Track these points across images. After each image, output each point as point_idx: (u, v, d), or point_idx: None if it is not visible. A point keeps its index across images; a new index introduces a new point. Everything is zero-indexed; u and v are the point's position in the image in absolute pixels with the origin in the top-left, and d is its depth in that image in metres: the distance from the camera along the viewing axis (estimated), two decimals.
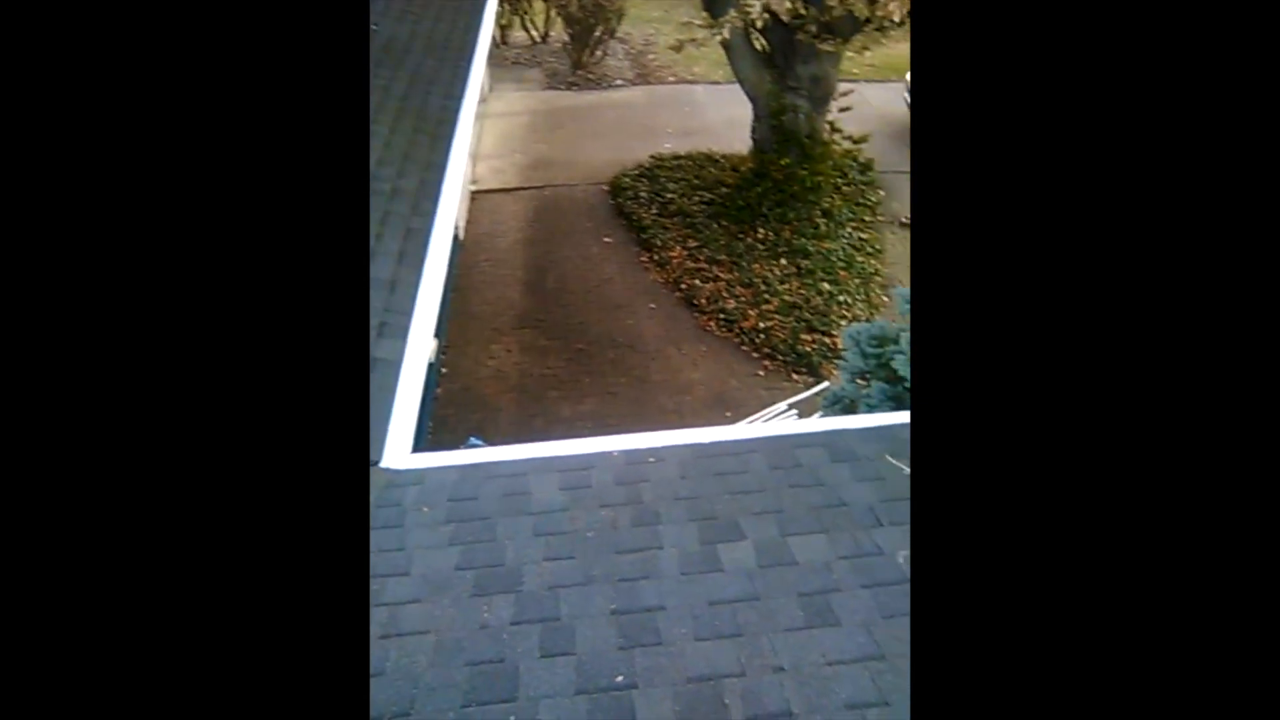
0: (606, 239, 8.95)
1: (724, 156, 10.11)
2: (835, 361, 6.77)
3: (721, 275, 8.17)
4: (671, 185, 9.63)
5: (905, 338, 4.13)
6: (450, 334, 7.09)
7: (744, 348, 7.40)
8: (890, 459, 2.71)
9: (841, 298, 7.84)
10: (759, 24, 6.88)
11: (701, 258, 8.42)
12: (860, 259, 8.42)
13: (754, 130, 9.10)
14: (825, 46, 7.64)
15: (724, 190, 9.29)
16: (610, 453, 2.83)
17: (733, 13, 6.41)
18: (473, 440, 5.25)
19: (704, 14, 7.69)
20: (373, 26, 5.72)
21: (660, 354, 7.24)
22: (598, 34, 13.25)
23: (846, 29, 7.61)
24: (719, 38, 6.66)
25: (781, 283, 8.01)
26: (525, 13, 13.82)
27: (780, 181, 8.68)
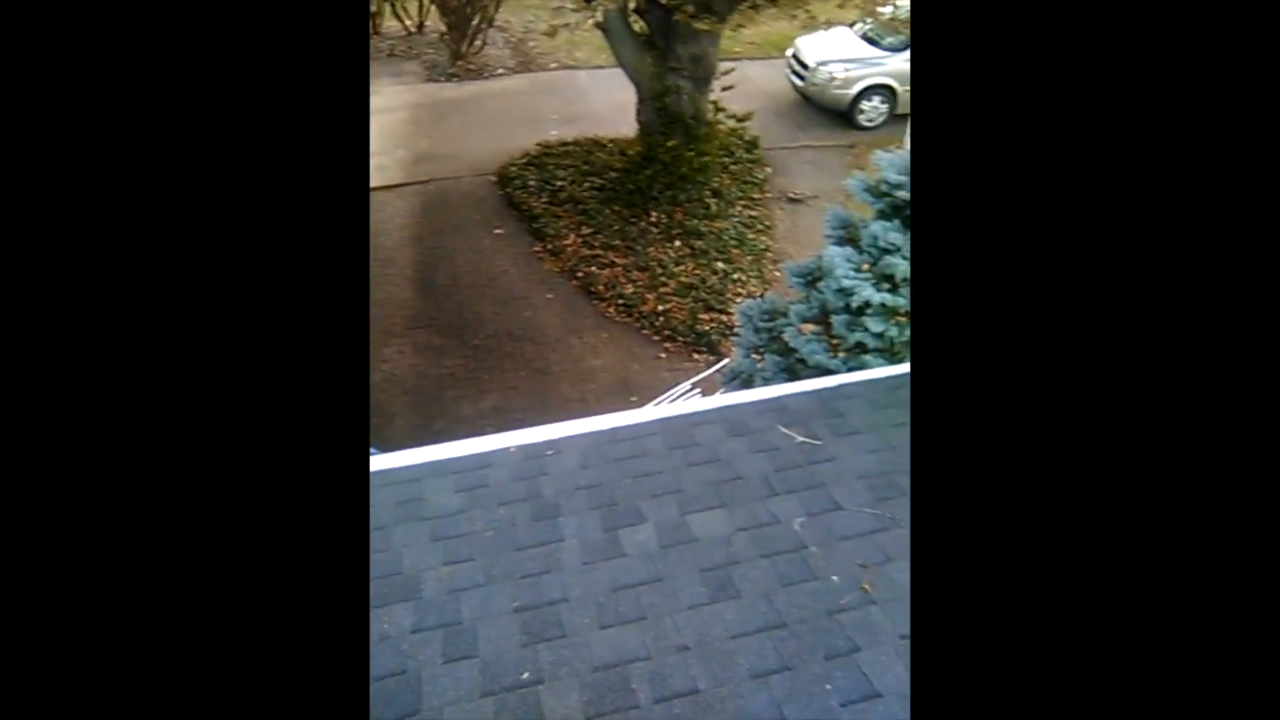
0: (498, 230, 8.80)
1: (611, 141, 10.10)
2: (733, 338, 6.89)
3: (617, 260, 8.18)
4: (560, 173, 9.55)
5: (794, 310, 4.23)
6: None
7: (644, 331, 7.44)
8: (783, 429, 2.76)
9: (736, 276, 7.98)
10: (634, 5, 6.86)
11: (596, 244, 8.40)
12: (751, 236, 8.58)
13: (639, 113, 9.11)
14: (701, 25, 7.70)
15: (613, 175, 9.28)
16: (508, 449, 2.78)
17: None
18: None
19: None
20: None
21: (561, 344, 7.19)
22: (475, 22, 12.94)
23: (723, 7, 7.70)
24: (592, 21, 6.61)
25: (677, 264, 8.08)
26: (396, 1, 13.36)
27: (669, 163, 8.74)
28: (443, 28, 13.05)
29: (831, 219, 4.16)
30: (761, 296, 6.78)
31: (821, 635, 1.91)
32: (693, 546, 2.22)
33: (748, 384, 4.58)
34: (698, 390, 6.38)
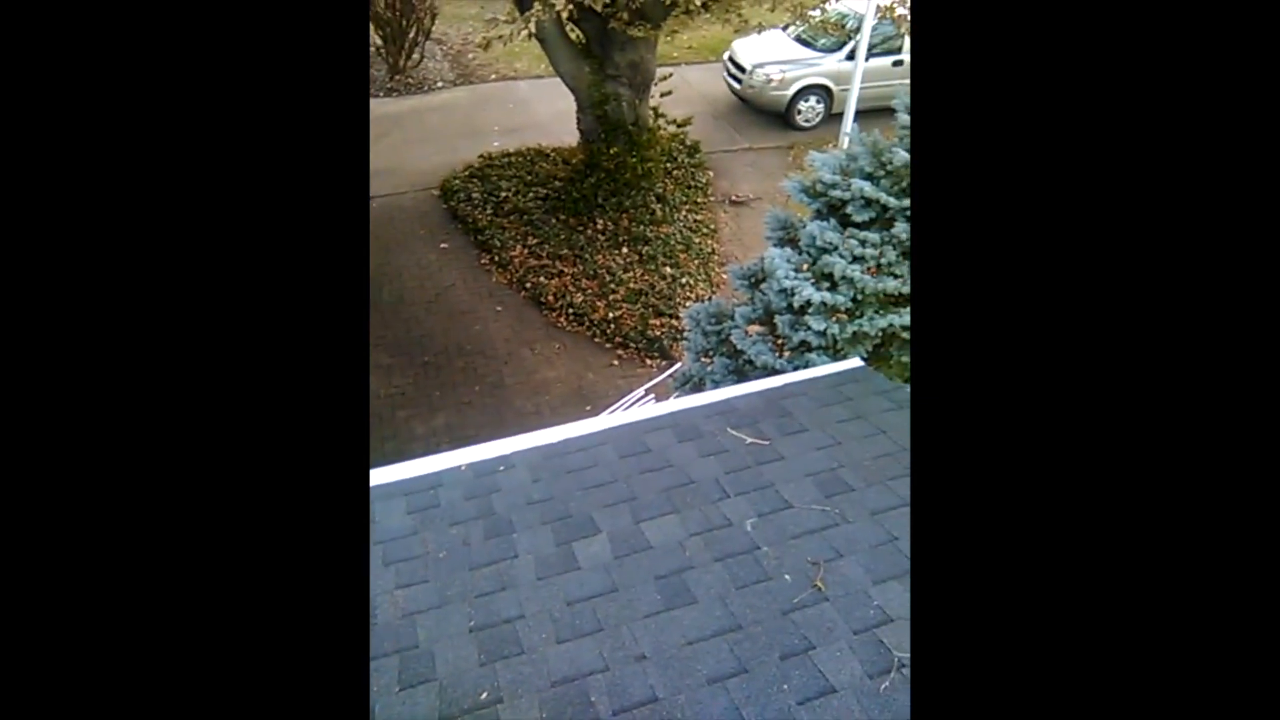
0: (443, 244, 8.73)
1: (554, 150, 10.09)
2: (683, 342, 6.94)
3: (566, 270, 8.17)
4: (504, 184, 9.51)
5: (740, 312, 4.28)
6: None
7: (596, 339, 7.45)
8: (732, 430, 2.80)
9: (684, 280, 8.03)
10: (565, 15, 6.87)
11: (543, 254, 8.38)
12: (697, 240, 8.65)
13: (579, 121, 9.12)
14: (636, 32, 7.75)
15: (558, 184, 9.27)
16: (458, 468, 2.76)
17: (538, 6, 6.37)
18: None
19: (511, 9, 7.61)
20: None
21: (513, 357, 7.15)
22: (412, 36, 12.81)
23: (657, 14, 7.74)
24: (525, 32, 6.60)
25: (625, 271, 8.10)
26: None
27: (612, 171, 8.77)
28: (379, 42, 12.89)
29: (771, 220, 4.22)
30: (709, 300, 6.86)
31: (776, 635, 1.94)
32: (647, 554, 2.23)
33: (699, 387, 4.61)
34: (651, 396, 6.40)
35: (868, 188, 3.72)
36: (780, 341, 4.09)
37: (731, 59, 11.79)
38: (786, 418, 2.88)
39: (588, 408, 6.48)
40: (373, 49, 13.30)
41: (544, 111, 11.38)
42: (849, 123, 8.90)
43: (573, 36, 8.60)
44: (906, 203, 3.72)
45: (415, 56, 12.98)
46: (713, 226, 9.05)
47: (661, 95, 9.17)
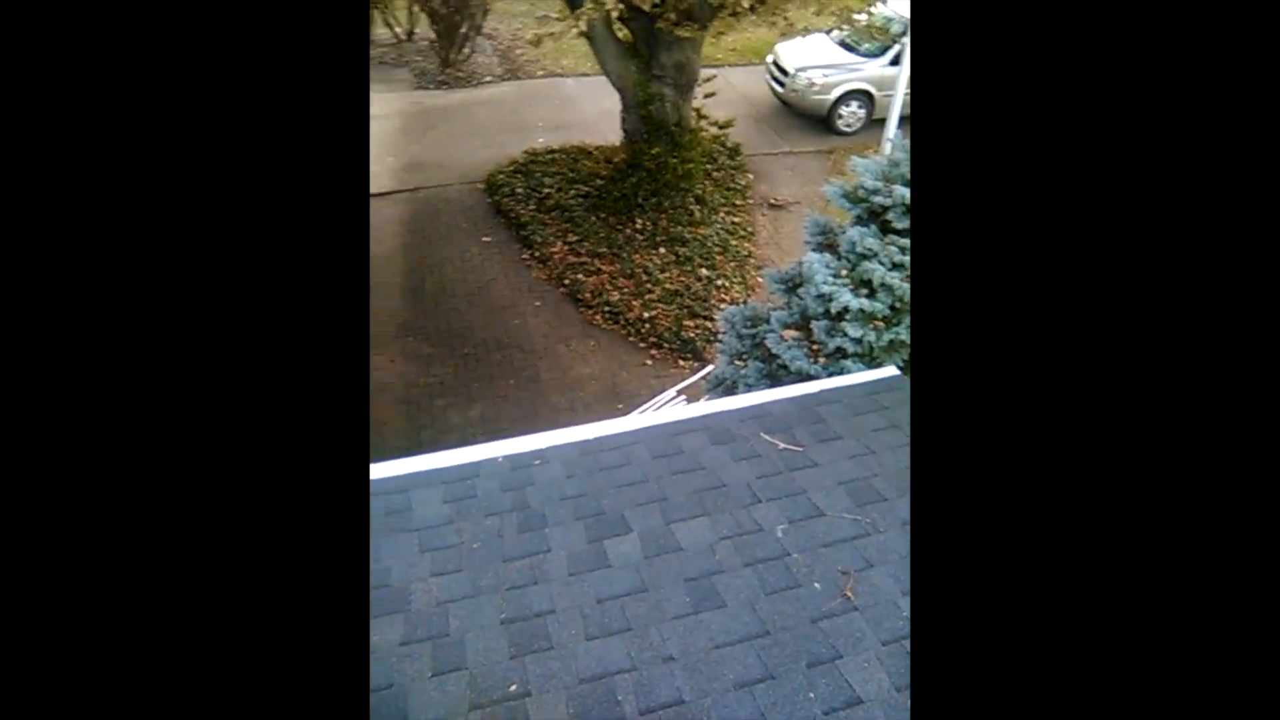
0: (486, 239, 8.82)
1: (597, 148, 10.14)
2: (717, 345, 6.94)
3: (603, 268, 8.21)
4: (547, 180, 9.59)
5: (775, 317, 4.27)
6: None
7: (631, 338, 7.47)
8: (765, 435, 2.80)
9: (719, 282, 8.02)
10: (615, 15, 6.91)
11: (583, 251, 8.44)
12: (734, 243, 8.63)
13: (624, 120, 9.16)
14: (684, 33, 7.76)
15: (599, 182, 9.32)
16: (495, 459, 2.80)
17: (589, 5, 6.41)
18: None
19: (562, 7, 7.66)
20: None
21: (549, 352, 7.21)
22: (464, 30, 12.98)
23: (704, 15, 7.75)
24: (576, 30, 6.65)
25: (662, 271, 8.12)
26: (385, 8, 13.36)
27: (653, 170, 8.79)
28: (432, 35, 13.08)
29: (810, 225, 4.21)
30: (744, 303, 6.85)
31: (804, 643, 1.95)
32: (677, 556, 2.25)
33: (731, 390, 4.61)
34: (683, 397, 6.42)
35: (910, 194, 3.70)
36: (816, 347, 4.07)
37: (775, 62, 11.73)
38: (820, 424, 2.88)
39: (620, 406, 6.52)
40: (425, 42, 13.52)
41: (589, 109, 11.44)
42: (892, 128, 8.82)
43: (620, 36, 8.64)
44: None
45: (466, 50, 13.14)
46: (750, 229, 9.03)
47: (705, 96, 9.17)
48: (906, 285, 3.72)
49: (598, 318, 7.71)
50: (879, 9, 10.52)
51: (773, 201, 9.59)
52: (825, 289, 3.85)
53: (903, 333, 3.81)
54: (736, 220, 9.05)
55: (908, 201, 3.73)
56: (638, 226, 8.70)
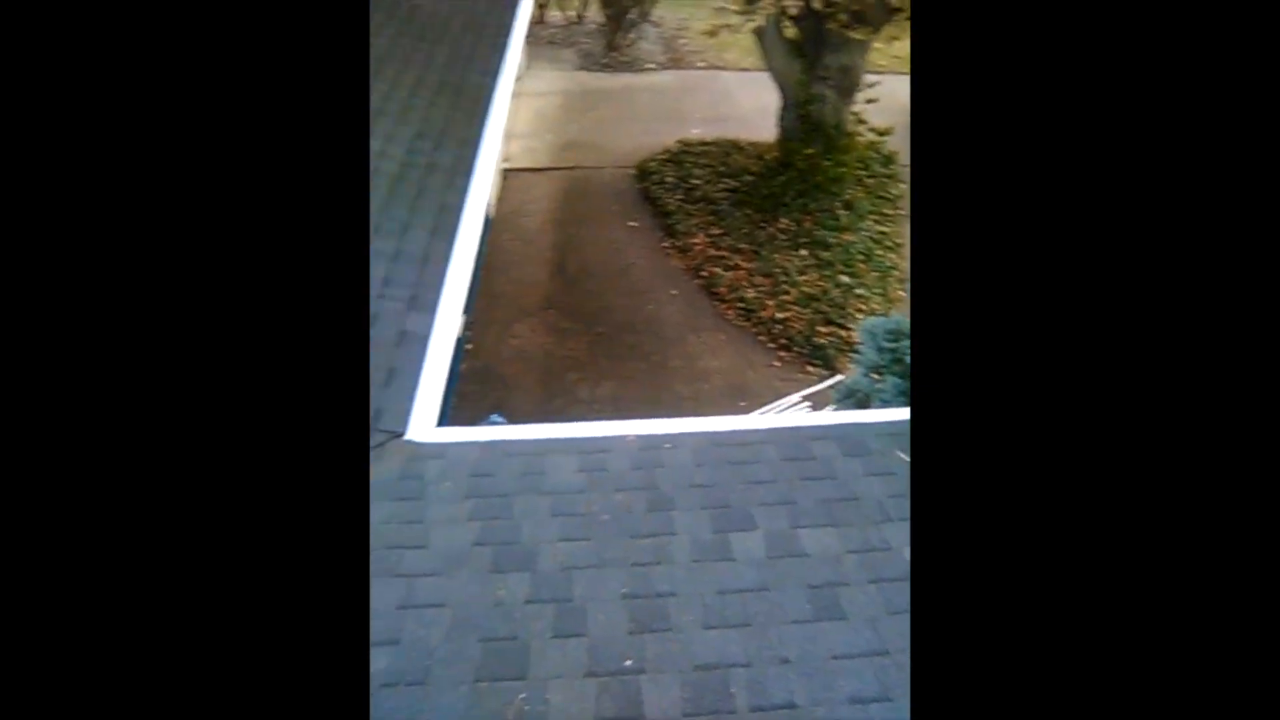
0: (631, 223, 8.97)
1: (750, 144, 10.09)
2: (850, 355, 6.78)
3: (742, 264, 8.17)
4: (697, 171, 9.62)
5: None
6: (476, 311, 7.16)
7: (761, 338, 7.41)
8: (901, 454, 2.73)
9: (859, 291, 7.82)
10: (792, 12, 6.84)
11: (724, 245, 8.43)
12: (879, 252, 8.39)
13: (781, 118, 9.06)
14: (856, 35, 7.58)
15: (748, 178, 9.27)
16: (627, 437, 2.87)
17: (769, 0, 6.38)
18: (494, 418, 5.31)
19: (740, 0, 7.65)
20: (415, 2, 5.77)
21: (679, 341, 7.26)
22: (632, 16, 13.24)
23: (879, 18, 7.54)
24: (753, 25, 6.63)
25: (801, 273, 8.00)
26: None
27: (804, 171, 8.66)
28: (601, 20, 13.40)
29: None
30: (885, 315, 6.66)
31: None
32: (801, 561, 2.24)
33: (863, 404, 4.51)
34: (807, 404, 6.32)
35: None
36: None
37: None
38: None
39: (743, 403, 6.49)
40: (594, 26, 13.87)
41: (746, 104, 11.39)
42: None
43: (788, 34, 8.54)
44: None
45: (631, 36, 13.38)
46: (897, 240, 8.74)
47: (866, 101, 8.93)
48: None
49: (730, 313, 7.69)
50: None
51: None
52: None
53: None
54: (884, 230, 8.78)
55: None
56: (781, 226, 8.60)
